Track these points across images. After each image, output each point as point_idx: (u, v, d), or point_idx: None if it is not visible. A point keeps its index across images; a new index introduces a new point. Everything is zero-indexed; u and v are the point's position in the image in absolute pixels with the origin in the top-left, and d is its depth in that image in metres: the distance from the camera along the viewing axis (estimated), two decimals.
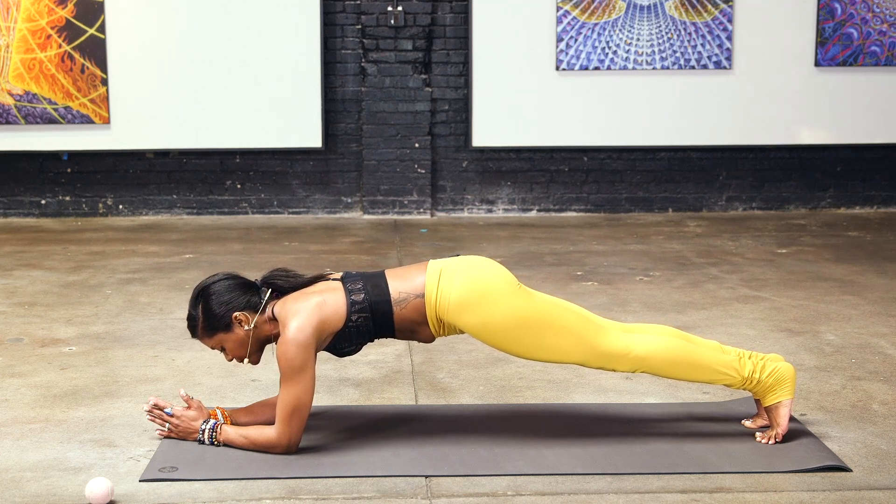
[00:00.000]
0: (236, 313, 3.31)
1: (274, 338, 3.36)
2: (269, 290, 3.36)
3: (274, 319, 3.33)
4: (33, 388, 3.98)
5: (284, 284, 3.37)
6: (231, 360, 3.40)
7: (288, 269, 3.44)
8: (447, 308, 3.26)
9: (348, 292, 3.30)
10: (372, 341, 3.37)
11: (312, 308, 3.24)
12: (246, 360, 3.39)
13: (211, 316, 3.32)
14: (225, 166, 8.08)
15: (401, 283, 3.32)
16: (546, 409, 3.72)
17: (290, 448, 3.27)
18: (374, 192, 8.10)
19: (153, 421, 3.43)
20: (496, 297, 3.26)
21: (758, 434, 3.42)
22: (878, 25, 8.01)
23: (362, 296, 3.29)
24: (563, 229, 7.53)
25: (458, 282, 3.27)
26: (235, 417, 3.46)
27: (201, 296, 3.35)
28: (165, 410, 3.40)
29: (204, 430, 3.35)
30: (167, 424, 3.39)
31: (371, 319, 3.29)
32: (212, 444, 3.34)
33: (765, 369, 3.35)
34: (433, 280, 3.29)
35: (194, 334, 3.39)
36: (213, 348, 3.40)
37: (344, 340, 3.31)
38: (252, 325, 3.32)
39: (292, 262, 6.24)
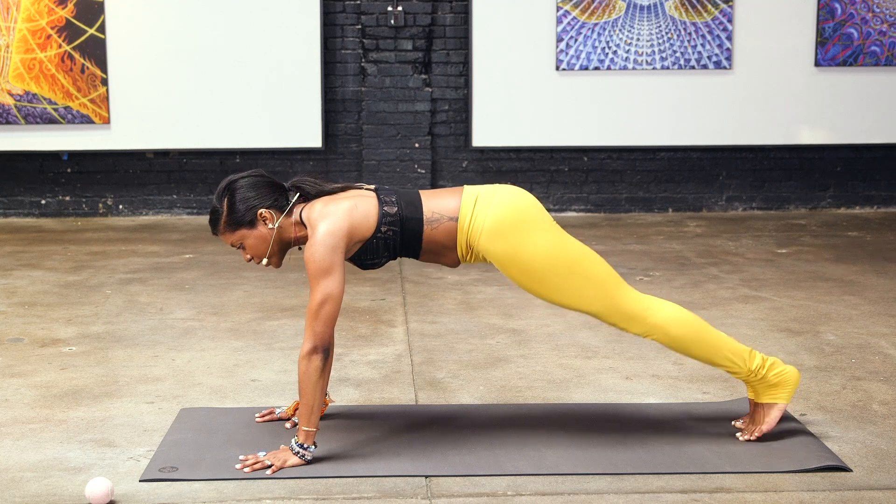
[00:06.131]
0: (262, 210, 3.28)
1: (297, 241, 3.35)
2: (297, 193, 3.34)
3: (301, 223, 3.31)
4: (33, 388, 3.98)
5: (311, 190, 3.34)
6: (249, 259, 3.37)
7: (316, 175, 3.41)
8: (479, 233, 3.23)
9: (381, 203, 3.27)
10: (395, 258, 3.35)
11: (344, 212, 3.22)
12: (265, 260, 3.35)
13: (235, 210, 3.29)
14: (225, 166, 8.07)
15: (435, 203, 3.28)
16: (546, 409, 3.72)
17: (322, 345, 3.11)
18: None
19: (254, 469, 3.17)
20: (532, 227, 3.25)
21: (738, 433, 3.41)
22: (878, 25, 8.01)
23: (395, 209, 3.26)
24: (563, 229, 7.52)
25: (494, 208, 3.24)
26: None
27: (227, 189, 3.31)
28: (276, 411, 3.55)
29: (295, 452, 3.19)
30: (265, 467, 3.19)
31: (399, 234, 3.27)
32: (313, 448, 3.19)
33: (773, 368, 3.35)
34: (469, 204, 3.25)
35: (216, 230, 3.34)
36: (232, 245, 3.35)
37: (369, 252, 3.29)
38: (276, 224, 3.30)
39: (293, 262, 6.22)
